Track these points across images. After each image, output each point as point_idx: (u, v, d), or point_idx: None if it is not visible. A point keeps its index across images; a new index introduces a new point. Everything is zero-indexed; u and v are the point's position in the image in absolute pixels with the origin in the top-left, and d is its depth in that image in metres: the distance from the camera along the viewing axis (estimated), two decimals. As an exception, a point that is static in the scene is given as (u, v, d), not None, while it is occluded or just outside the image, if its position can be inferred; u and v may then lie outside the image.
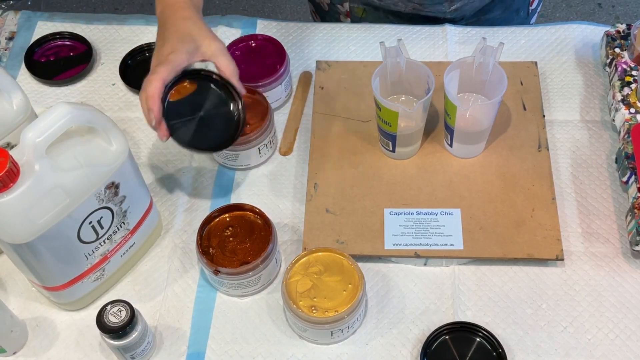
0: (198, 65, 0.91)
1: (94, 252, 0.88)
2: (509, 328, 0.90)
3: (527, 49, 1.15)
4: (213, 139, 0.92)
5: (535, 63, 1.11)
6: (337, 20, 1.25)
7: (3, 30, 1.22)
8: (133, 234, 0.92)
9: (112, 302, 0.83)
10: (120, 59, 1.15)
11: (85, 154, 0.81)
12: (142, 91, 0.87)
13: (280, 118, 1.10)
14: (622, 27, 1.10)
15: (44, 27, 1.21)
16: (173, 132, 0.90)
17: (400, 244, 0.95)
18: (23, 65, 1.16)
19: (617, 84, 1.04)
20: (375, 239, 0.96)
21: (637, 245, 0.92)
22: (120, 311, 0.83)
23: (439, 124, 1.06)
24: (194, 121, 0.91)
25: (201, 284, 0.95)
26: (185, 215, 1.01)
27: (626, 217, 0.97)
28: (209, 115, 0.92)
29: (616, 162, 1.02)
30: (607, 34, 1.10)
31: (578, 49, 1.15)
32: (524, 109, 1.07)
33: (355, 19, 1.23)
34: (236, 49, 1.10)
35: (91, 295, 0.93)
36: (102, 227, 0.86)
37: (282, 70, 1.06)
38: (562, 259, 0.93)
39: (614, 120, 1.04)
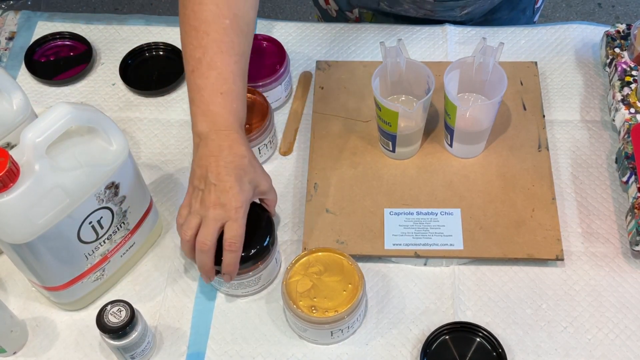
0: None
1: (94, 252, 0.88)
2: (509, 328, 0.90)
3: (527, 49, 1.15)
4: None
5: (535, 63, 1.11)
6: None
7: (3, 30, 1.22)
8: (133, 234, 0.92)
9: (112, 302, 0.83)
10: (120, 59, 1.15)
11: (85, 154, 0.81)
12: (204, 242, 0.83)
13: (280, 118, 1.10)
14: (622, 27, 1.10)
15: (44, 27, 1.21)
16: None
17: (400, 244, 0.95)
18: (23, 65, 1.16)
19: (617, 84, 1.04)
20: (375, 239, 0.96)
21: (637, 245, 0.92)
22: (120, 311, 0.83)
23: (439, 124, 1.06)
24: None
25: (201, 284, 0.95)
26: (185, 215, 1.01)
27: (626, 217, 0.97)
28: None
29: (616, 162, 1.02)
30: (607, 34, 1.10)
31: (578, 49, 1.15)
32: (524, 109, 1.07)
33: None
34: (236, 49, 1.10)
35: (91, 295, 0.93)
36: (102, 227, 0.86)
37: (282, 70, 1.06)
38: (562, 259, 0.93)
39: (614, 120, 1.04)
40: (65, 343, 0.91)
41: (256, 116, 1.02)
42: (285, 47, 1.09)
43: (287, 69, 1.08)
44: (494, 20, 1.22)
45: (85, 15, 1.23)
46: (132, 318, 0.83)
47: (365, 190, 1.00)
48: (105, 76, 1.16)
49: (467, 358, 0.87)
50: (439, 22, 1.18)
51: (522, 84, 1.09)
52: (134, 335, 0.84)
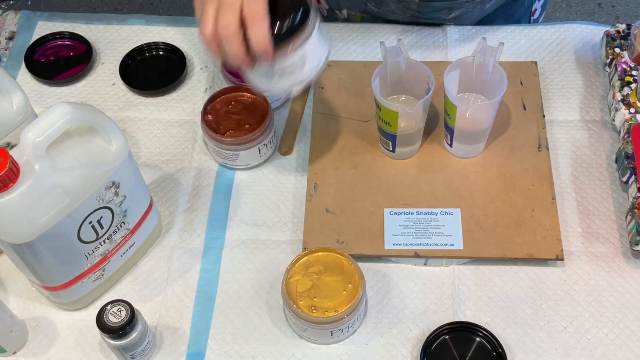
0: None
1: (94, 252, 0.88)
2: (509, 328, 0.90)
3: (527, 49, 1.15)
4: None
5: (535, 63, 1.11)
6: None
7: (3, 30, 1.22)
8: (133, 234, 0.92)
9: (112, 302, 0.83)
10: (120, 59, 1.15)
11: (85, 154, 0.81)
12: (226, 26, 0.74)
13: (280, 118, 1.10)
14: (622, 27, 1.10)
15: (44, 27, 1.21)
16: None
17: (400, 244, 0.95)
18: (23, 65, 1.16)
19: (617, 83, 1.04)
20: (375, 239, 0.96)
21: (637, 245, 0.92)
22: (120, 311, 0.83)
23: (439, 124, 1.06)
24: None
25: (201, 283, 0.95)
26: (185, 215, 1.01)
27: (626, 217, 0.97)
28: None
29: (616, 162, 1.02)
30: (607, 34, 1.10)
31: (578, 48, 1.15)
32: (524, 109, 1.07)
33: None
34: (236, 49, 1.09)
35: (91, 295, 0.93)
36: (102, 227, 0.86)
37: (282, 70, 1.06)
38: (562, 259, 0.93)
39: (614, 120, 1.04)
40: (65, 343, 0.91)
41: (256, 116, 1.02)
42: (285, 47, 1.09)
43: (287, 68, 1.08)
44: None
45: (85, 15, 1.23)
46: (132, 318, 0.83)
47: (365, 190, 1.00)
48: (105, 76, 1.16)
49: (467, 358, 0.87)
50: (428, 25, 1.17)
51: (522, 83, 1.09)
52: (134, 335, 0.84)
